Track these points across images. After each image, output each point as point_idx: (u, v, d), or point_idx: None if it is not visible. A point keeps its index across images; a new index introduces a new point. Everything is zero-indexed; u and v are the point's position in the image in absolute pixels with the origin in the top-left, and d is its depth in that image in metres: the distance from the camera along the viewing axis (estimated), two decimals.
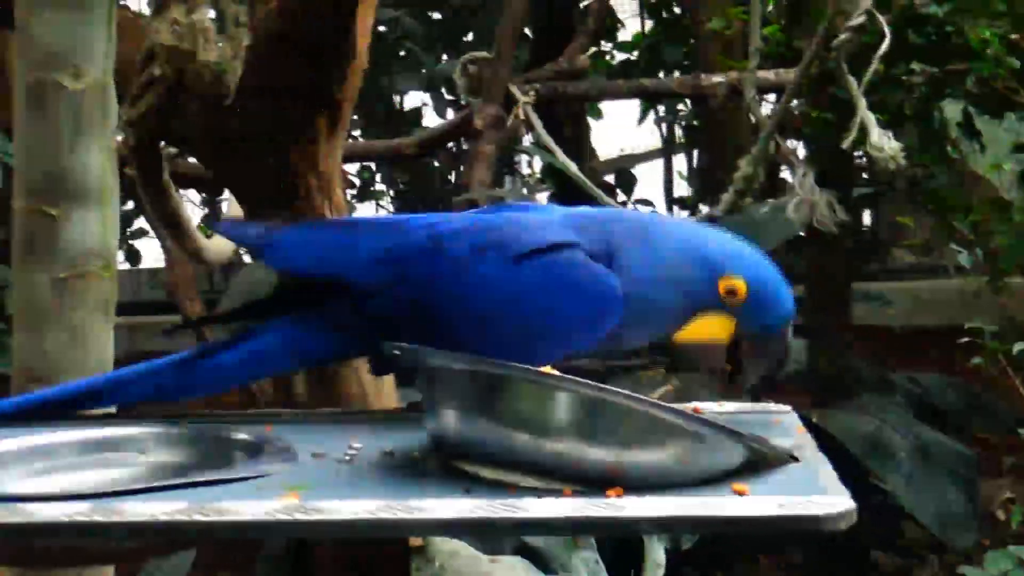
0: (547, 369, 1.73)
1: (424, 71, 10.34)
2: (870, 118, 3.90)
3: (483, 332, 1.99)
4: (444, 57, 10.55)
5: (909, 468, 4.61)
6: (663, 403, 1.68)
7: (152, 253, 10.57)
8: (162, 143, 3.26)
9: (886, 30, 3.90)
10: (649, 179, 11.54)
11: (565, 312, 1.97)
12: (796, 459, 1.80)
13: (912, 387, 5.41)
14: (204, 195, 10.55)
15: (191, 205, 10.89)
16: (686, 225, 2.07)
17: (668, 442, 1.67)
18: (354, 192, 11.34)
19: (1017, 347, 4.16)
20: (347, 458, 1.89)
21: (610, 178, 10.66)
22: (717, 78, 6.27)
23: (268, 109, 2.93)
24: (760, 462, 1.75)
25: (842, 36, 3.95)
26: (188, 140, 3.17)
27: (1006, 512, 5.47)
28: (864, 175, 5.60)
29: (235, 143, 2.98)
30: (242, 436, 2.02)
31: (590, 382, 1.66)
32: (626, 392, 1.66)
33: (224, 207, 6.57)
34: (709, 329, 1.95)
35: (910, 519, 4.81)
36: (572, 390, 1.67)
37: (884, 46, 3.90)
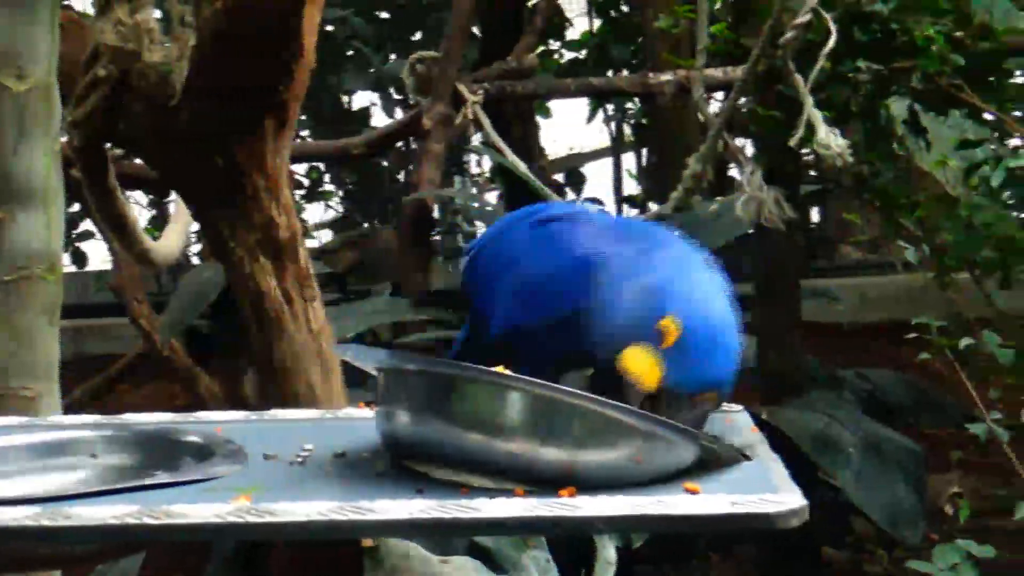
0: (500, 369, 1.73)
1: (372, 70, 10.33)
2: (817, 116, 3.92)
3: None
4: (392, 56, 10.54)
5: (858, 464, 4.63)
6: (616, 403, 1.68)
7: (99, 255, 10.50)
8: (107, 144, 3.23)
9: (832, 28, 3.92)
10: (598, 178, 11.59)
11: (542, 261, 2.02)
12: (748, 457, 1.81)
13: (861, 383, 5.44)
14: (151, 196, 10.49)
15: (138, 207, 10.82)
16: (683, 252, 1.96)
17: (621, 441, 1.67)
18: (302, 192, 11.30)
19: (964, 342, 4.19)
20: (299, 460, 1.89)
21: (560, 177, 10.68)
22: (665, 76, 6.29)
23: (215, 109, 2.91)
24: (713, 461, 1.76)
25: (788, 34, 3.96)
26: (134, 141, 3.15)
27: (954, 507, 5.52)
28: (811, 172, 5.63)
29: (181, 143, 2.96)
30: (192, 438, 2.01)
31: (543, 381, 1.66)
32: (579, 391, 1.67)
33: (171, 208, 6.53)
34: (637, 364, 1.81)
35: (860, 515, 4.83)
36: (525, 389, 1.67)
37: (830, 44, 3.91)
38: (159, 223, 9.74)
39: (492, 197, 10.46)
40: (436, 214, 9.89)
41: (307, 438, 2.00)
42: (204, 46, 2.87)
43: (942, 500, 5.63)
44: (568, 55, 10.58)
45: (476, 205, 6.73)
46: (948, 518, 5.52)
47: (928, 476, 4.89)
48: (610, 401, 1.67)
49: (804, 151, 4.55)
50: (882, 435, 4.82)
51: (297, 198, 11.24)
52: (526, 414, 1.67)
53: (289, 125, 3.02)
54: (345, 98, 11.08)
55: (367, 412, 2.16)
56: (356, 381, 2.99)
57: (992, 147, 4.37)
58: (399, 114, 10.03)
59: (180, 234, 4.62)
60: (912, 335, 4.37)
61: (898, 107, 4.59)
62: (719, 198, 5.56)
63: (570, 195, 10.34)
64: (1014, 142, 4.54)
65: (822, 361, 5.60)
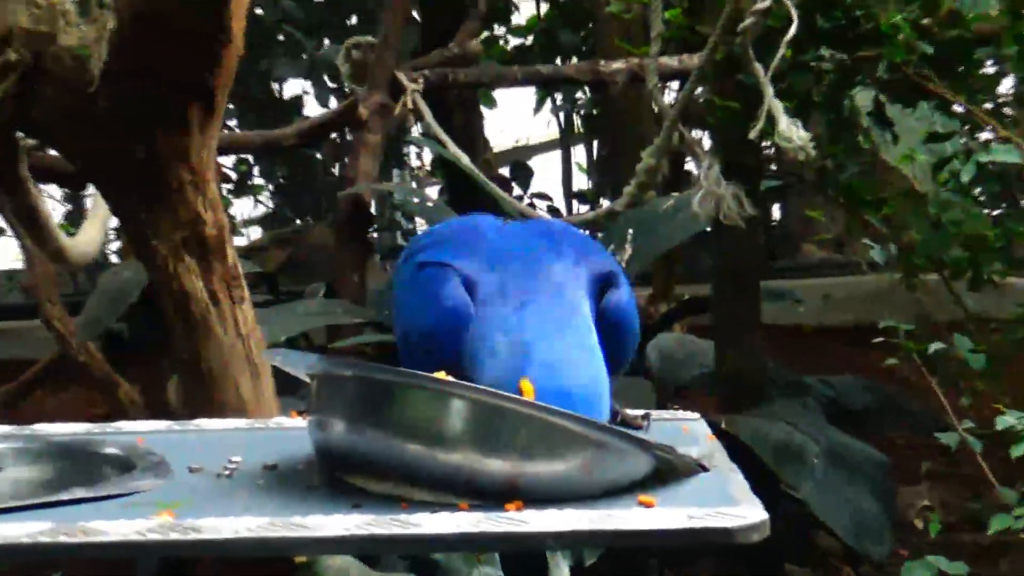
0: (440, 375, 1.73)
1: (305, 56, 10.30)
2: (778, 106, 3.94)
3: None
4: (326, 42, 10.51)
5: (822, 475, 4.66)
6: (564, 410, 1.68)
7: (9, 253, 10.41)
8: (19, 133, 3.21)
9: (793, 14, 3.94)
10: (547, 171, 11.59)
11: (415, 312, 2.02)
12: (706, 468, 1.82)
13: (824, 389, 5.46)
14: (66, 190, 10.40)
15: (52, 201, 10.73)
16: (562, 308, 1.95)
17: (570, 452, 1.67)
18: (230, 186, 11.26)
19: (933, 347, 4.22)
20: (226, 472, 1.88)
21: (506, 170, 10.68)
22: (617, 64, 6.31)
23: (135, 96, 2.90)
24: (668, 472, 1.76)
25: (747, 20, 3.98)
26: (47, 129, 3.13)
27: (924, 520, 5.56)
28: (772, 167, 5.66)
29: (99, 133, 2.95)
30: (112, 450, 2.00)
31: (486, 388, 1.66)
32: (524, 399, 1.67)
33: (89, 203, 6.48)
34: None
35: (824, 529, 4.86)
36: (467, 397, 1.67)
37: (792, 31, 3.94)
38: (75, 219, 9.66)
39: (433, 192, 10.47)
40: (373, 210, 9.89)
41: (235, 449, 1.99)
42: (124, 28, 2.86)
43: (911, 513, 5.68)
44: (514, 41, 10.59)
45: (416, 200, 6.71)
46: (917, 532, 5.56)
47: (896, 488, 4.93)
48: (558, 408, 1.67)
49: (765, 144, 4.57)
50: (847, 444, 4.85)
51: (224, 192, 11.21)
52: (469, 423, 1.67)
53: (216, 114, 3.02)
54: (276, 86, 11.04)
55: (300, 421, 2.15)
56: (289, 388, 2.98)
57: (962, 140, 4.40)
58: (333, 103, 10.01)
59: (98, 230, 4.59)
60: (879, 339, 4.40)
61: (863, 98, 4.62)
62: (675, 194, 5.58)
63: (516, 190, 10.34)
64: (985, 135, 4.57)
65: (784, 366, 5.63)
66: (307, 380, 1.86)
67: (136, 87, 2.88)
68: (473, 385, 1.67)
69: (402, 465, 1.69)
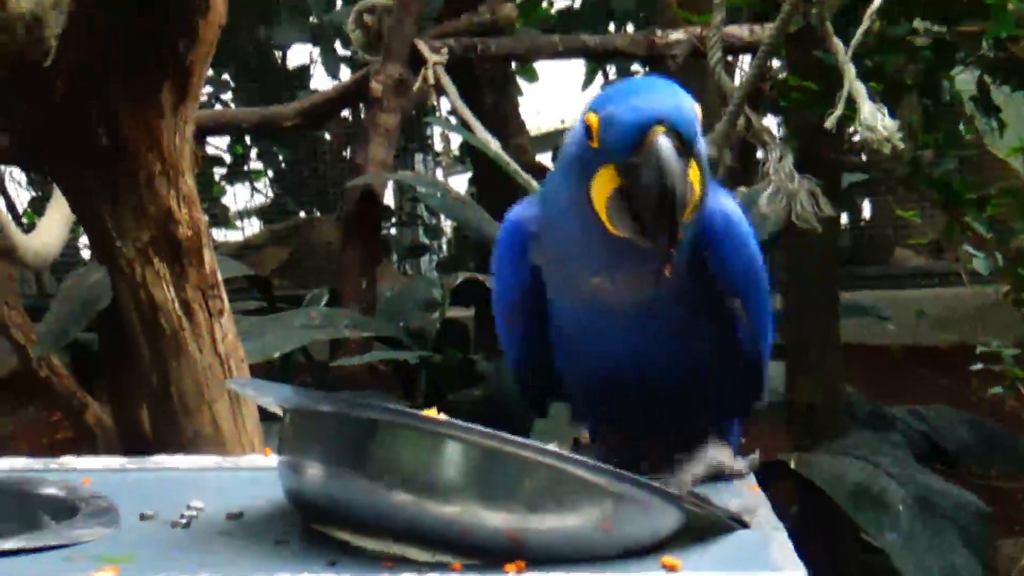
0: (432, 412, 1.73)
1: (312, 19, 10.33)
2: (860, 89, 3.92)
3: None
4: (338, 2, 10.54)
5: (908, 523, 4.64)
6: (577, 456, 1.68)
7: None
8: None
9: None
10: None
11: None
12: (745, 524, 1.81)
13: (914, 422, 5.45)
14: (31, 174, 10.48)
15: (14, 186, 10.82)
16: None
17: (583, 504, 1.67)
18: (223, 172, 11.30)
19: None
20: (183, 521, 1.89)
21: (546, 158, 10.68)
22: (676, 35, 6.31)
23: (98, 73, 2.92)
24: (700, 528, 1.76)
25: None
26: None
27: None
28: (857, 159, 5.65)
29: (55, 115, 2.97)
30: (51, 491, 2.00)
31: (484, 429, 1.66)
32: (529, 441, 1.67)
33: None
34: (601, 190, 1.94)
35: None
36: (463, 439, 1.67)
37: (878, 0, 3.93)
38: (42, 207, 9.73)
39: (462, 181, 10.49)
40: (390, 202, 9.90)
41: (196, 493, 2.00)
42: None
43: (1013, 570, 5.65)
44: (559, 4, 10.61)
45: (438, 194, 6.72)
46: None
47: (995, 540, 4.90)
48: (570, 455, 1.67)
49: (847, 132, 4.56)
50: (939, 488, 4.83)
51: (218, 179, 11.25)
52: (465, 469, 1.67)
53: (192, 95, 3.03)
54: (278, 54, 11.07)
55: (275, 461, 2.16)
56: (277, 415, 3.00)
57: None
58: (346, 75, 10.03)
59: (60, 225, 4.62)
60: (979, 364, 4.38)
61: (964, 80, 4.60)
62: (741, 189, 5.57)
63: None
64: None
65: (866, 394, 5.61)
66: (279, 413, 1.87)
67: (98, 63, 2.89)
68: (470, 426, 1.67)
69: (387, 517, 1.69)
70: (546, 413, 2.37)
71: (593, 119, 1.92)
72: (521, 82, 10.17)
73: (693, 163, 1.90)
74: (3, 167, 10.02)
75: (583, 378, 2.20)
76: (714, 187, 2.06)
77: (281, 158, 11.49)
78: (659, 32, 6.46)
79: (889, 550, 4.63)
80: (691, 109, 1.91)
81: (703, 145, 1.95)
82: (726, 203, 2.09)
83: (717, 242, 2.06)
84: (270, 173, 11.71)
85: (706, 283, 2.08)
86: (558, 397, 2.30)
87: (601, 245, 1.97)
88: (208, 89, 10.31)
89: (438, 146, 11.56)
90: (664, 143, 1.85)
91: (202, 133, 6.89)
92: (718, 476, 2.09)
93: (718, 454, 2.12)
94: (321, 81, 10.75)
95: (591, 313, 2.10)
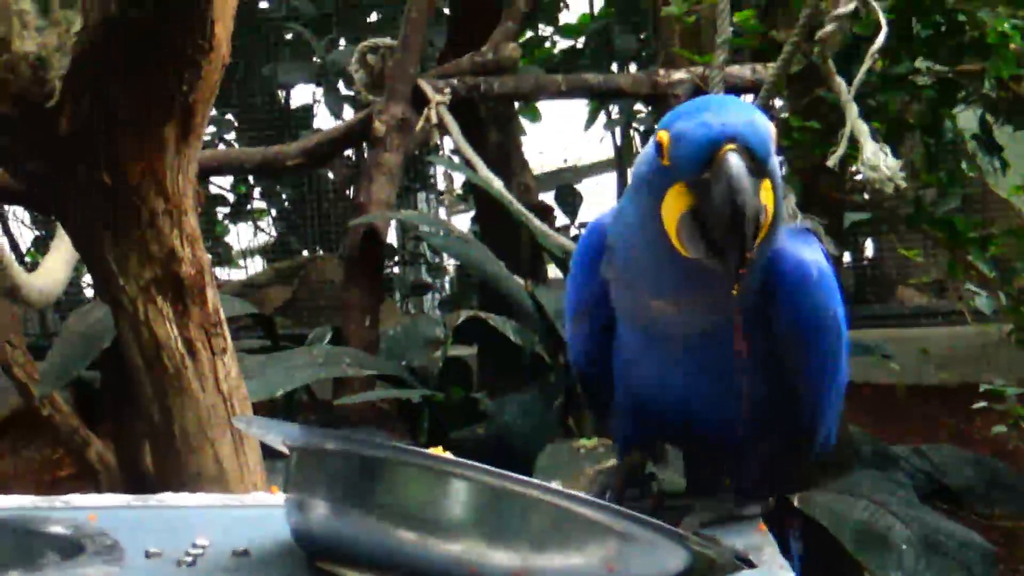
0: (438, 451, 1.73)
1: (315, 59, 10.35)
2: (863, 128, 3.93)
3: None
4: (341, 42, 10.55)
5: (913, 562, 4.63)
6: (584, 495, 1.68)
7: None
8: None
9: (882, 19, 3.92)
10: (598, 196, 11.58)
11: None
12: (752, 564, 1.81)
13: (918, 461, 5.45)
14: (35, 213, 10.49)
15: (17, 225, 10.83)
16: None
17: (590, 543, 1.67)
18: (227, 211, 11.31)
19: None
20: (188, 559, 1.88)
21: (549, 196, 10.68)
22: (678, 74, 6.32)
23: (102, 113, 2.92)
24: (706, 568, 1.76)
25: (828, 26, 3.97)
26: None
27: None
28: (860, 197, 5.66)
29: (59, 155, 2.97)
30: (57, 529, 2.00)
31: (490, 467, 1.66)
32: (535, 481, 1.66)
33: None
34: (671, 209, 1.92)
35: None
36: (469, 477, 1.66)
37: (880, 39, 3.93)
38: (46, 246, 9.74)
39: (464, 220, 10.49)
40: (393, 240, 9.90)
41: (202, 530, 1.99)
42: (91, 34, 2.88)
43: None
44: (563, 44, 10.62)
45: (441, 232, 6.72)
46: None
47: None
48: (576, 493, 1.67)
49: (850, 170, 4.56)
50: (943, 528, 4.82)
51: (221, 218, 11.26)
52: (471, 507, 1.67)
53: (195, 134, 3.03)
54: (282, 94, 11.09)
55: (281, 498, 2.16)
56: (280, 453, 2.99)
57: None
58: (349, 114, 10.04)
59: (64, 264, 4.62)
60: (983, 403, 4.37)
61: (966, 118, 4.60)
62: None
63: (562, 218, 10.34)
64: None
65: (870, 433, 5.60)
66: (285, 452, 1.86)
67: (103, 103, 2.90)
68: (475, 464, 1.67)
69: (392, 555, 1.69)
70: (604, 416, 2.31)
71: (664, 136, 1.92)
72: (524, 121, 10.20)
73: (767, 183, 1.88)
74: (7, 206, 10.01)
75: (631, 395, 2.17)
76: (801, 233, 2.05)
77: (284, 197, 11.50)
78: (661, 72, 6.47)
79: None
80: (765, 128, 1.89)
81: (777, 166, 1.93)
82: (805, 250, 2.06)
83: (784, 292, 2.03)
84: (273, 212, 11.72)
85: (767, 332, 2.05)
86: (608, 404, 2.26)
87: (668, 266, 1.96)
88: (211, 129, 10.33)
89: (441, 185, 11.55)
90: (735, 160, 1.84)
91: (206, 173, 6.90)
92: (729, 518, 2.07)
93: (733, 504, 2.10)
94: (324, 121, 10.76)
95: (647, 336, 2.09)
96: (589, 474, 2.26)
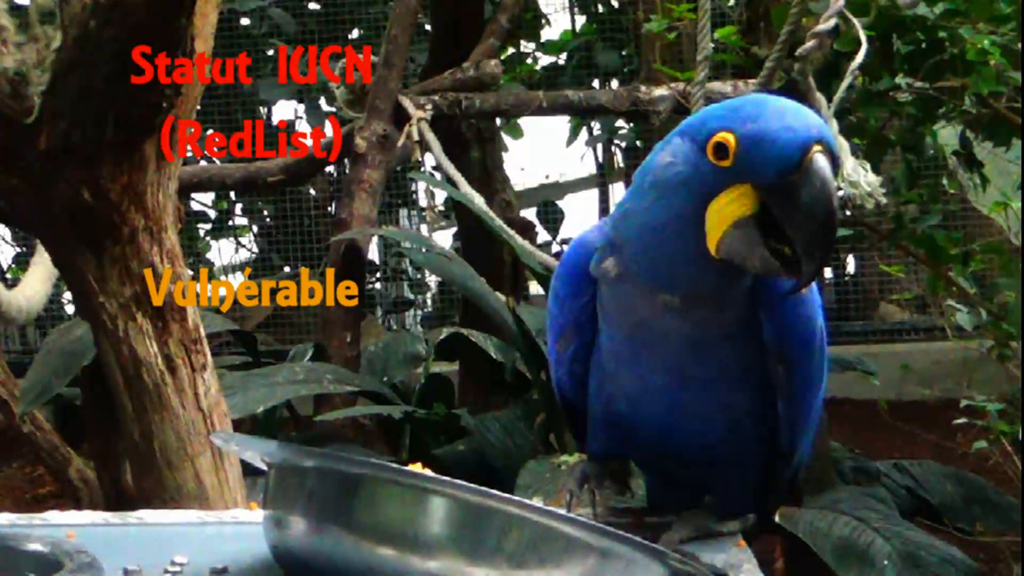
0: (417, 467, 1.73)
1: None
2: (844, 145, 3.94)
3: None
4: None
5: None
6: (564, 512, 1.68)
7: None
8: None
9: (862, 36, 3.94)
10: (580, 214, 11.57)
11: None
12: None
13: (899, 477, 5.45)
14: (15, 230, 10.46)
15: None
16: None
17: (569, 560, 1.67)
18: (208, 227, 11.30)
19: None
20: None
21: (531, 212, 10.68)
22: (659, 91, 6.32)
23: (81, 130, 2.92)
24: None
25: (809, 43, 3.98)
26: None
27: None
28: (844, 213, 5.66)
29: (39, 172, 2.97)
30: (35, 547, 1.99)
31: (470, 484, 1.66)
32: (515, 497, 1.66)
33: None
34: (725, 211, 1.89)
35: None
36: (449, 494, 1.66)
37: (860, 55, 3.94)
38: (27, 263, 9.71)
39: (447, 236, 10.49)
40: (374, 257, 9.88)
41: (181, 547, 1.99)
42: (70, 50, 2.88)
43: None
44: (545, 60, 10.63)
45: (423, 249, 6.71)
46: None
47: None
48: (555, 510, 1.67)
49: None
50: (924, 544, 4.82)
51: (203, 234, 11.25)
52: (451, 525, 1.66)
53: (176, 150, 3.03)
54: (263, 110, 11.08)
55: (260, 515, 2.15)
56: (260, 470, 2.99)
57: None
58: (330, 131, 10.05)
59: (44, 281, 4.61)
60: (964, 419, 4.37)
61: (947, 135, 4.61)
62: None
63: (543, 234, 10.34)
64: None
65: (851, 449, 5.60)
66: (263, 468, 1.86)
67: (82, 120, 2.90)
68: (455, 481, 1.67)
69: (371, 572, 1.69)
70: (584, 438, 2.29)
71: (729, 137, 1.89)
72: (506, 138, 10.20)
73: None
74: None
75: (607, 410, 2.16)
76: None
77: (266, 213, 11.50)
78: (643, 88, 6.47)
79: None
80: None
81: None
82: None
83: (778, 301, 2.03)
84: (255, 228, 11.71)
85: (753, 343, 2.05)
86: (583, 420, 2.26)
87: (689, 265, 1.95)
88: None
89: (423, 202, 11.54)
90: (826, 163, 1.84)
91: (186, 189, 6.88)
92: (708, 535, 2.07)
93: (712, 520, 2.10)
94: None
95: (632, 345, 2.08)
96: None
